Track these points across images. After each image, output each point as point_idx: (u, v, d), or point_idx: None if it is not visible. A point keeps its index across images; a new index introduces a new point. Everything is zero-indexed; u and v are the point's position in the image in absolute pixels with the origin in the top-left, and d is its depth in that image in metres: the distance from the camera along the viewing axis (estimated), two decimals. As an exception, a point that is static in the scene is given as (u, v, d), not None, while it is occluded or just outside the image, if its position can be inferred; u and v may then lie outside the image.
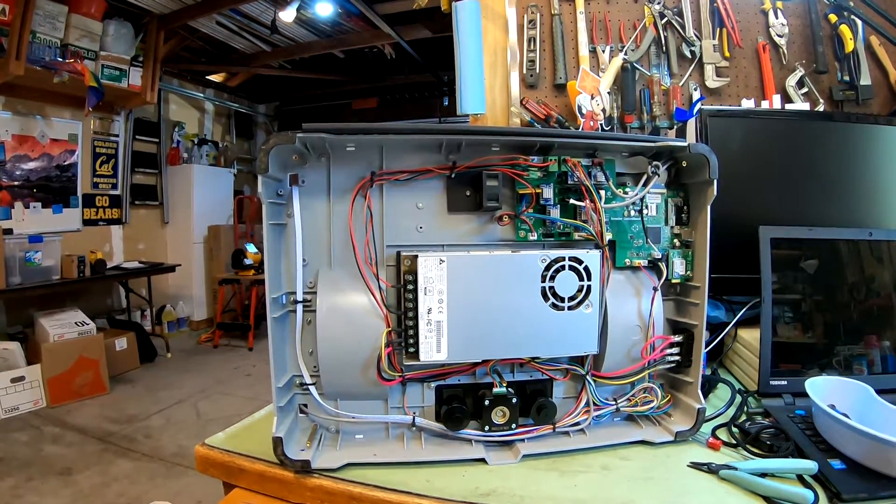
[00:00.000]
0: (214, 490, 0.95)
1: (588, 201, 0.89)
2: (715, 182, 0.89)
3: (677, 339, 0.94)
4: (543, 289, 0.86)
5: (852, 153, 1.30)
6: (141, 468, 2.92)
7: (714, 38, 1.63)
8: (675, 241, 0.96)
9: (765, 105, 1.59)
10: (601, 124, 1.58)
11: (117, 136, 5.40)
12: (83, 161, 4.99)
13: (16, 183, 4.36)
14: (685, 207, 0.97)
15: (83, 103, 4.28)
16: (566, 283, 0.87)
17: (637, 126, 1.62)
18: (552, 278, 0.86)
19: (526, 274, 0.86)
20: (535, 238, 0.90)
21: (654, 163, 0.92)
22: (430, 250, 0.87)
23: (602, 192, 0.90)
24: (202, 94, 6.77)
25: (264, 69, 6.48)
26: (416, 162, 0.89)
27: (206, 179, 6.40)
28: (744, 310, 1.16)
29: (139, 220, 5.87)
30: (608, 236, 0.91)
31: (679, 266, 0.95)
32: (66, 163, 4.76)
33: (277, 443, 0.81)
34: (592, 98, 1.56)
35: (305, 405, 0.90)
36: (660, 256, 0.94)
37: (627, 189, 0.94)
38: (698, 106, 1.31)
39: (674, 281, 0.95)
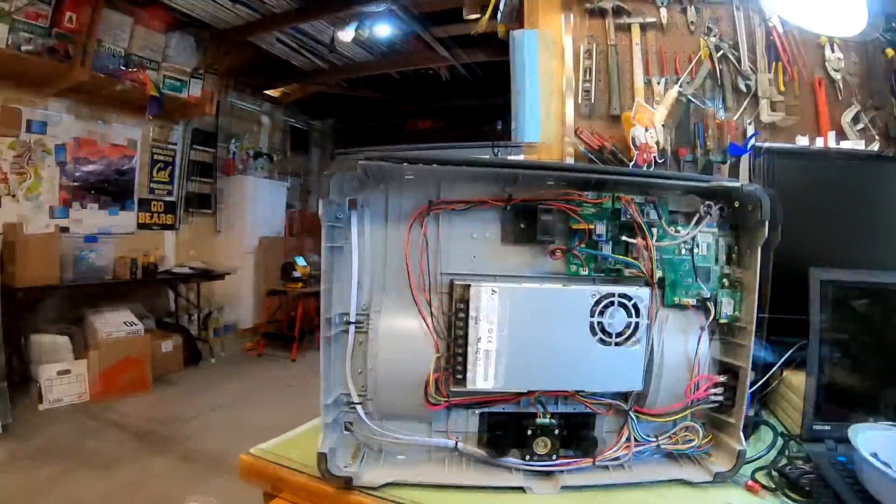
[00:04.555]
0: (247, 497, 0.98)
1: (640, 239, 0.90)
2: (767, 223, 0.89)
3: (722, 379, 0.94)
4: (592, 324, 0.87)
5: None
6: (176, 469, 2.98)
7: (769, 72, 1.62)
8: (725, 280, 0.96)
9: (819, 142, 1.57)
10: (655, 157, 1.58)
11: (175, 144, 5.56)
12: (141, 166, 5.15)
13: (75, 183, 4.52)
14: (736, 247, 0.97)
15: (144, 111, 4.45)
16: (615, 319, 0.87)
17: (690, 160, 1.61)
18: (601, 313, 0.87)
19: (575, 308, 0.87)
20: (587, 273, 0.92)
21: (707, 202, 0.93)
22: (482, 280, 0.89)
23: (654, 230, 0.91)
24: (259, 108, 6.91)
25: (321, 86, 6.58)
26: (472, 192, 0.91)
27: (261, 191, 6.55)
28: (790, 351, 1.15)
29: (192, 227, 6.01)
30: (658, 274, 0.92)
31: (727, 306, 0.95)
32: (124, 167, 4.92)
33: (322, 458, 0.84)
34: (646, 130, 1.55)
35: (351, 423, 0.93)
36: (708, 296, 0.94)
37: (679, 227, 0.94)
38: (752, 141, 1.31)
39: (721, 321, 0.95)
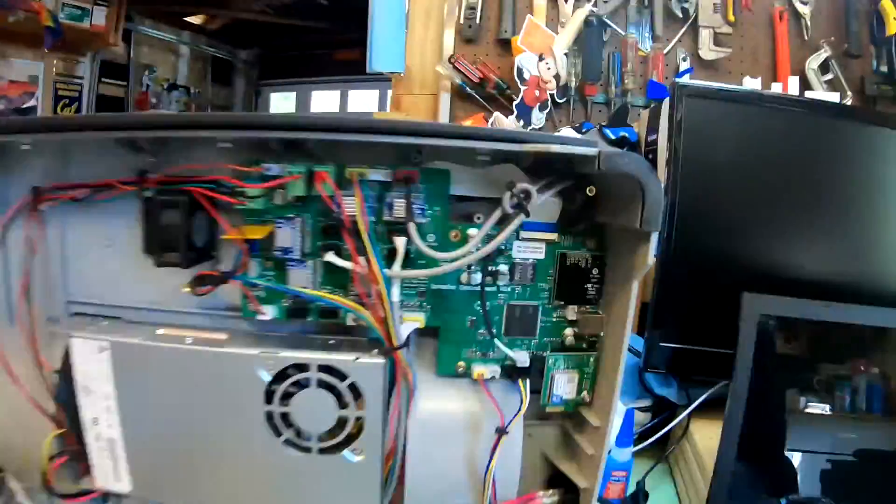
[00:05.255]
0: None
1: (364, 260, 0.47)
2: (654, 235, 0.43)
3: (548, 497, 0.52)
4: (270, 414, 0.48)
5: (880, 167, 0.83)
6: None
7: (717, -7, 1.26)
8: (566, 331, 0.51)
9: (776, 88, 1.24)
10: (553, 95, 1.27)
11: (81, 78, 5.28)
12: (44, 104, 4.96)
13: (-29, 125, 4.44)
14: (593, 270, 0.50)
15: (42, 43, 4.17)
16: (318, 409, 0.48)
17: (602, 101, 1.30)
18: (290, 397, 0.48)
19: (244, 385, 0.48)
20: (277, 316, 0.51)
21: (522, 186, 0.46)
22: (104, 325, 0.53)
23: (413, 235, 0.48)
24: (177, 38, 6.38)
25: (245, 13, 5.89)
26: (104, 169, 0.53)
27: (178, 127, 6.22)
28: (707, 393, 0.75)
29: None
30: (415, 324, 0.49)
31: (564, 384, 0.50)
32: (25, 105, 4.75)
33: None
34: (541, 59, 1.23)
35: None
36: (526, 363, 0.50)
37: (471, 230, 0.49)
38: (684, 79, 1.04)
39: (550, 409, 0.51)
